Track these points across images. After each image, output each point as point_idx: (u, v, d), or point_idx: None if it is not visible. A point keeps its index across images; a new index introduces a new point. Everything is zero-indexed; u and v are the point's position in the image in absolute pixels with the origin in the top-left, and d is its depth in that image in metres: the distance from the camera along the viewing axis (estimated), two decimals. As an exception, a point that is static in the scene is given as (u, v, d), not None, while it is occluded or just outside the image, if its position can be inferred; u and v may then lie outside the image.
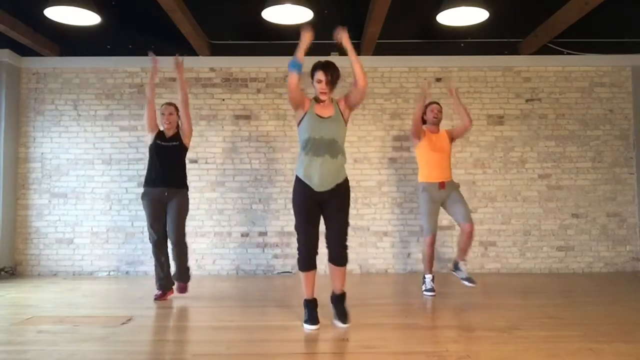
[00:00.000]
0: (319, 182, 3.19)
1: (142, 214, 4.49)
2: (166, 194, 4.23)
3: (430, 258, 4.44)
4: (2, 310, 3.94)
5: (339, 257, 3.26)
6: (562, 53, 6.08)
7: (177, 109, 4.37)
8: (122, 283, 5.35)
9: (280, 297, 4.39)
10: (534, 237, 6.05)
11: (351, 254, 6.01)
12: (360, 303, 3.98)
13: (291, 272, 5.88)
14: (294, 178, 3.34)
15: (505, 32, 5.88)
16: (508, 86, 6.20)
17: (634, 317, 3.54)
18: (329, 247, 3.26)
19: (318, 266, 3.31)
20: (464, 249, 4.44)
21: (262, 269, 5.97)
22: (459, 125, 4.68)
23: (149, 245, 5.21)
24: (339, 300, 3.33)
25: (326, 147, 3.20)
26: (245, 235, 6.02)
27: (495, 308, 3.85)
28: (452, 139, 4.59)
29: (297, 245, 3.30)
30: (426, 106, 4.57)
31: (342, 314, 3.28)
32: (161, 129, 4.38)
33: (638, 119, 6.14)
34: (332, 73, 3.23)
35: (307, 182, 3.21)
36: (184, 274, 4.35)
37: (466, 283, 4.36)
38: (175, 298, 4.32)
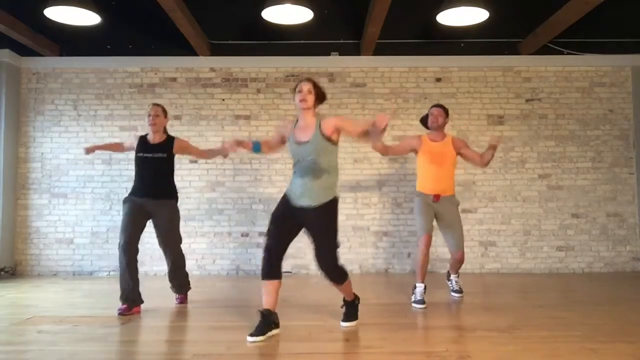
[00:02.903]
0: (299, 199, 3.12)
1: None
2: (152, 205, 3.93)
3: (424, 263, 4.06)
4: (2, 310, 3.93)
5: (328, 278, 3.16)
6: (562, 53, 6.08)
7: (164, 111, 4.04)
8: (122, 283, 5.34)
9: (280, 297, 4.34)
10: (534, 237, 6.05)
11: (351, 254, 6.09)
12: (361, 303, 3.96)
13: (291, 272, 5.88)
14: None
15: (505, 32, 5.88)
16: (508, 86, 6.20)
17: (634, 317, 3.54)
18: (319, 268, 3.14)
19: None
20: (455, 269, 4.42)
21: (262, 269, 5.96)
22: (474, 156, 4.21)
23: (149, 245, 5.24)
24: (345, 304, 3.40)
25: (308, 169, 3.12)
26: (245, 235, 6.02)
27: (495, 308, 3.86)
28: (458, 151, 4.19)
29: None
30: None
31: (344, 314, 3.39)
32: (141, 133, 4.13)
33: (638, 119, 6.14)
34: (315, 85, 3.18)
35: (288, 195, 3.19)
36: (184, 284, 4.20)
37: (453, 294, 4.37)
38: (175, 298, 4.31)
